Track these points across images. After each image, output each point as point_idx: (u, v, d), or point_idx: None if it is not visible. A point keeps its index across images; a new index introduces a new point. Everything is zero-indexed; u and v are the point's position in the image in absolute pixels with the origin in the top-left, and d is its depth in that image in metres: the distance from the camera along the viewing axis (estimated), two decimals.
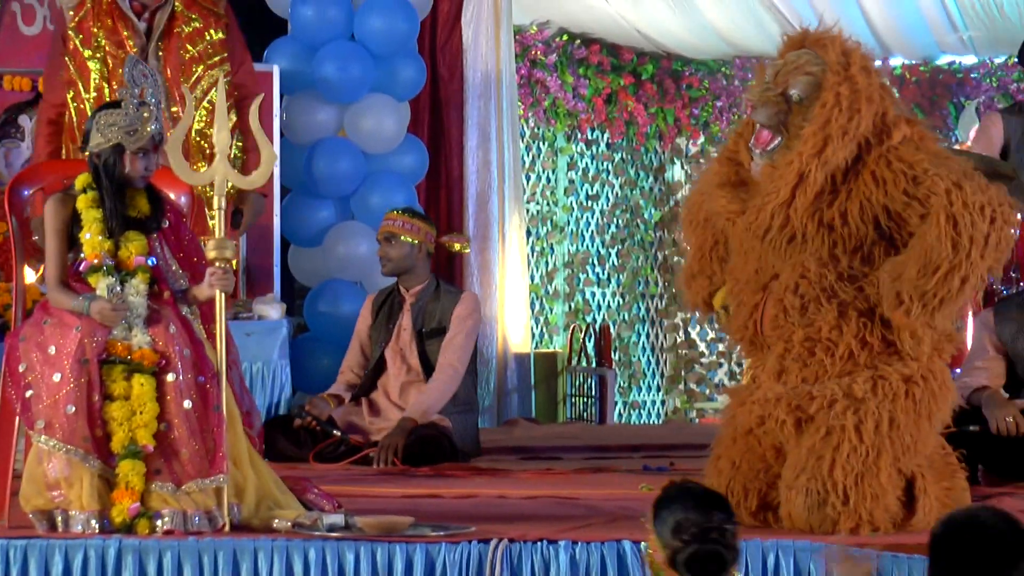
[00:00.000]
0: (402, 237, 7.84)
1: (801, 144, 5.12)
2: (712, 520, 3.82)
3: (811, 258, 5.20)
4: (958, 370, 7.18)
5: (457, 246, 8.15)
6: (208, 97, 7.28)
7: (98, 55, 7.17)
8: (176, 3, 7.31)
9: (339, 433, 7.71)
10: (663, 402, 13.33)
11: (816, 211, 5.16)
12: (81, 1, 7.31)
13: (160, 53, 7.26)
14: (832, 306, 5.19)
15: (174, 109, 7.24)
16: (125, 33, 7.19)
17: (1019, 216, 7.45)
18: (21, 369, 5.31)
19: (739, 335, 5.47)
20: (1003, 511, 3.73)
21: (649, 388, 13.32)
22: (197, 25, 7.33)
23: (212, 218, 5.51)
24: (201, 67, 7.33)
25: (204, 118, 7.33)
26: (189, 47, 7.31)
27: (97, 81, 7.15)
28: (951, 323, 5.29)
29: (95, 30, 7.19)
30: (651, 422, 12.99)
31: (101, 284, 5.35)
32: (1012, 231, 5.13)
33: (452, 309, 7.80)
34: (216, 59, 7.39)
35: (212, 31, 7.40)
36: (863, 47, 5.33)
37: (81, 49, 7.18)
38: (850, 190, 5.16)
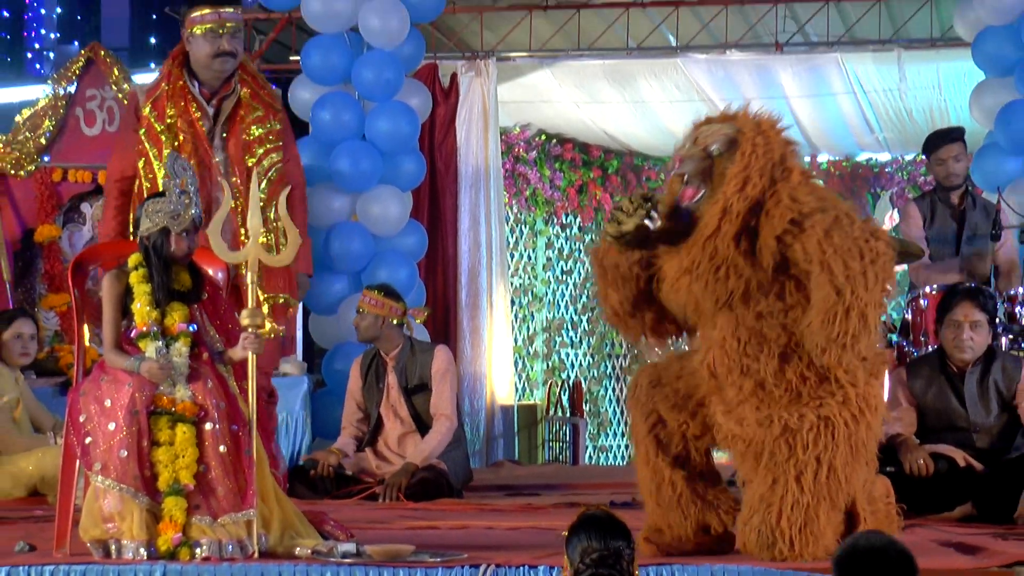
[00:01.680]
0: (367, 311, 7.85)
1: (725, 184, 5.06)
2: (610, 547, 3.84)
3: (737, 301, 5.06)
4: None
5: (419, 319, 8.21)
6: (269, 175, 7.24)
7: (171, 130, 7.13)
8: (242, 93, 7.27)
9: (351, 473, 7.71)
10: (627, 446, 13.33)
11: (738, 242, 5.04)
12: (156, 85, 7.26)
13: (224, 134, 7.23)
14: (767, 349, 5.07)
15: (234, 179, 7.20)
16: (196, 114, 7.15)
17: (928, 290, 7.52)
18: (81, 419, 5.31)
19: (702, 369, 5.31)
20: (893, 539, 3.75)
21: (615, 434, 13.32)
22: (260, 114, 7.29)
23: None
24: (263, 149, 7.29)
25: (265, 192, 7.23)
26: (253, 131, 7.26)
27: (168, 151, 7.10)
28: (875, 348, 5.13)
29: (169, 109, 7.14)
30: (617, 464, 12.98)
31: (150, 347, 5.35)
32: (886, 258, 4.96)
33: (430, 364, 7.77)
34: (273, 145, 7.35)
35: (272, 120, 7.37)
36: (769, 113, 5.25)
37: (155, 124, 7.12)
38: (759, 224, 5.05)
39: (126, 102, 8.90)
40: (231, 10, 7.13)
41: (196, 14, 7.11)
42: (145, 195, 7.07)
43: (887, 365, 5.36)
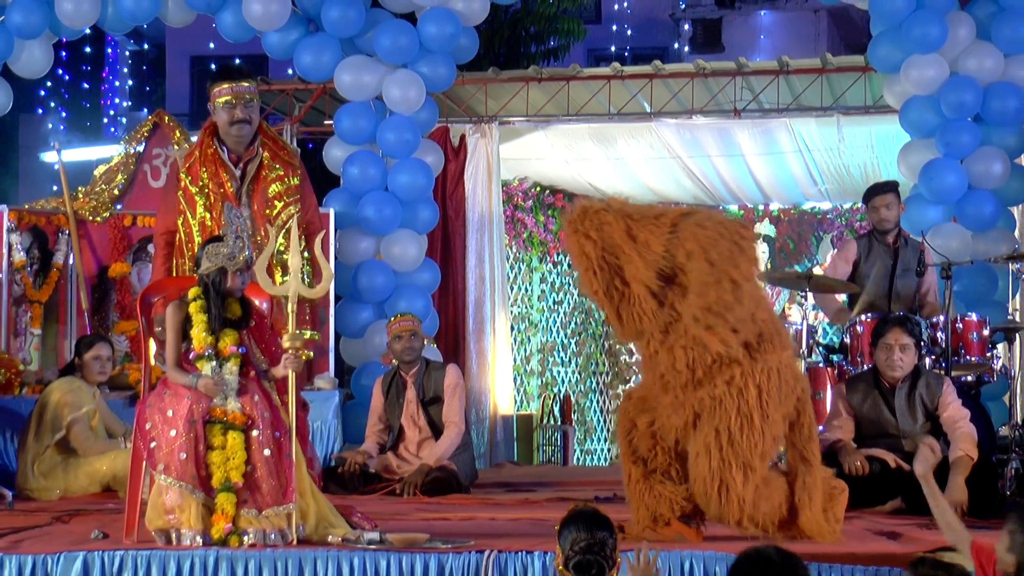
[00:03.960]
0: (419, 332, 7.85)
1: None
2: (595, 537, 3.84)
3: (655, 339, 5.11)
4: (822, 427, 7.18)
5: (425, 341, 8.30)
6: (286, 227, 7.23)
7: (204, 191, 7.12)
8: (264, 156, 7.27)
9: (374, 471, 7.69)
10: (609, 450, 13.31)
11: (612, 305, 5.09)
12: (190, 153, 7.27)
13: (250, 191, 7.22)
14: (661, 348, 5.08)
15: (260, 235, 7.20)
16: (224, 176, 7.15)
17: (864, 318, 7.52)
18: (147, 427, 5.30)
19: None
20: (783, 550, 3.72)
21: (599, 440, 13.30)
22: (279, 172, 7.28)
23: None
24: (281, 203, 7.27)
25: (282, 242, 7.25)
26: (273, 187, 7.26)
27: (201, 211, 7.09)
28: (756, 322, 5.04)
29: (202, 173, 7.14)
30: (600, 464, 12.96)
31: (205, 367, 5.35)
32: (748, 241, 5.01)
33: (443, 380, 7.74)
34: (292, 198, 7.34)
35: (290, 177, 7.34)
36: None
37: (190, 186, 7.13)
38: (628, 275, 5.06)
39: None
40: (246, 84, 7.16)
41: (217, 88, 7.13)
42: (184, 246, 7.08)
43: (786, 339, 5.24)
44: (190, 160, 7.22)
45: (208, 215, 7.08)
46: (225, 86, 7.11)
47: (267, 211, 7.22)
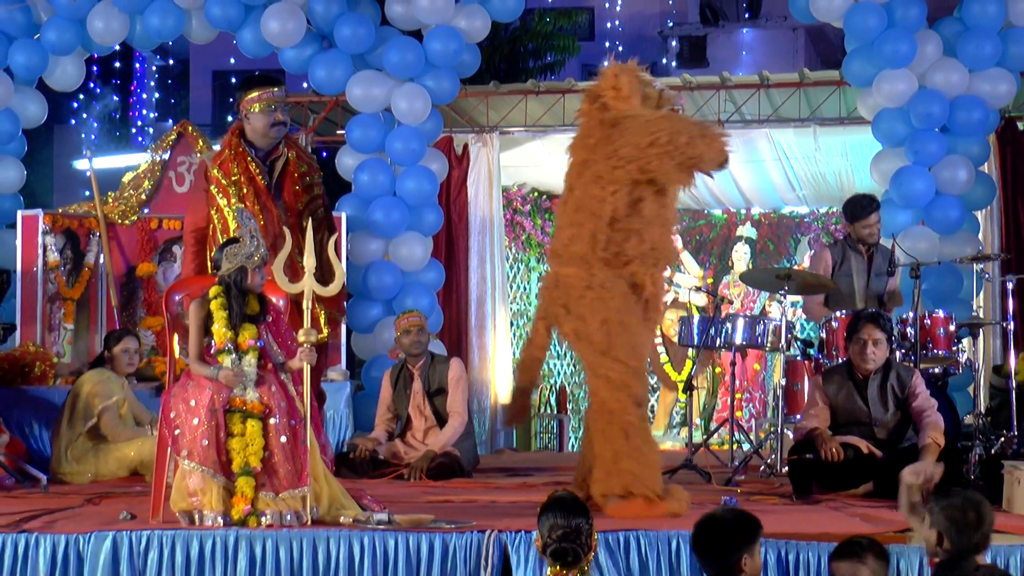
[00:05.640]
0: (425, 327, 7.84)
1: None
2: (571, 524, 3.81)
3: None
4: (799, 416, 7.18)
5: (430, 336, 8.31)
6: (316, 214, 7.23)
7: (237, 183, 7.10)
8: (290, 155, 7.27)
9: (383, 457, 7.68)
10: None
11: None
12: (220, 153, 7.25)
13: (279, 184, 7.21)
14: None
15: (291, 220, 7.18)
16: (256, 171, 7.14)
17: (839, 314, 7.52)
18: (172, 415, 5.31)
19: None
20: (739, 510, 3.80)
21: None
22: (305, 169, 7.30)
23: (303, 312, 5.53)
24: (309, 196, 7.29)
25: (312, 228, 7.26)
26: (304, 181, 7.28)
27: (235, 200, 7.07)
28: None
29: (233, 168, 7.12)
30: None
31: (226, 360, 5.36)
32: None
33: (447, 373, 7.72)
34: (318, 192, 7.38)
35: (314, 175, 7.38)
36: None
37: (222, 180, 7.11)
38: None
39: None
40: (278, 89, 7.17)
41: (252, 96, 7.10)
42: (219, 234, 7.06)
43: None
44: (220, 158, 7.20)
45: (242, 204, 7.05)
46: (261, 92, 7.10)
47: (298, 204, 7.21)
